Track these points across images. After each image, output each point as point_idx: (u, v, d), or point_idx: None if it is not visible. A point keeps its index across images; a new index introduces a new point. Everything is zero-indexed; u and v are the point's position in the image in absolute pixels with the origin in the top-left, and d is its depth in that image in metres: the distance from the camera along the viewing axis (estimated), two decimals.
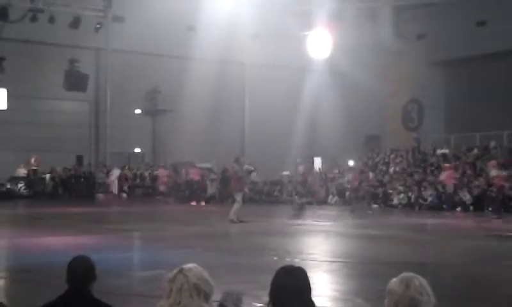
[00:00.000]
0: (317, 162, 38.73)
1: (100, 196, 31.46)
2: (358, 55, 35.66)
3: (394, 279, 3.32)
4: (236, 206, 21.13)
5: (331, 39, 34.55)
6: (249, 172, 31.27)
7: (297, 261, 11.41)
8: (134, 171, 35.15)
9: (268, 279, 3.68)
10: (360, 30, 35.71)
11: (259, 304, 7.64)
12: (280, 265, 3.78)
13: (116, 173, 32.86)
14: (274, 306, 3.60)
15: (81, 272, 4.61)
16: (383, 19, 36.27)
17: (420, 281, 3.27)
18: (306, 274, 3.70)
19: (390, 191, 31.26)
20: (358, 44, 35.76)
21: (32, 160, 32.65)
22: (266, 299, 3.65)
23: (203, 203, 31.13)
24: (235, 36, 34.78)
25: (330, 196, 33.33)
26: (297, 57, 36.31)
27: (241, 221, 20.61)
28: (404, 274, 3.34)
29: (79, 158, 35.29)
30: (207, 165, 34.66)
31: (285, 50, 36.76)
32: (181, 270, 3.60)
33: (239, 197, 21.45)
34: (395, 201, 30.30)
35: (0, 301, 3.90)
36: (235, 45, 35.84)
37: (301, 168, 30.11)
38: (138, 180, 34.93)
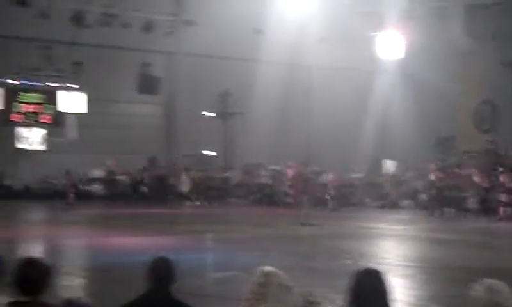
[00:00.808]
0: (390, 165, 38.18)
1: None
2: (428, 55, 35.04)
3: (477, 285, 3.33)
4: (303, 209, 21.15)
5: (403, 40, 34.09)
6: (319, 174, 31.02)
7: (371, 266, 11.35)
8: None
9: (344, 283, 3.72)
10: (430, 30, 35.04)
11: None
12: (355, 268, 3.81)
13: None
14: None
15: (163, 272, 4.75)
16: (454, 18, 35.50)
17: (503, 286, 3.27)
18: (384, 276, 3.73)
19: (464, 194, 30.47)
20: (429, 44, 35.14)
21: (109, 162, 33.47)
22: (341, 303, 3.68)
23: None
24: (302, 39, 34.71)
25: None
26: (365, 58, 35.92)
27: (310, 224, 20.60)
28: (487, 280, 3.34)
29: (152, 160, 35.93)
30: (276, 167, 34.70)
31: (353, 52, 36.36)
32: (271, 273, 3.62)
33: (304, 200, 21.47)
34: (469, 205, 29.54)
35: (86, 301, 4.06)
36: (303, 49, 35.77)
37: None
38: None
